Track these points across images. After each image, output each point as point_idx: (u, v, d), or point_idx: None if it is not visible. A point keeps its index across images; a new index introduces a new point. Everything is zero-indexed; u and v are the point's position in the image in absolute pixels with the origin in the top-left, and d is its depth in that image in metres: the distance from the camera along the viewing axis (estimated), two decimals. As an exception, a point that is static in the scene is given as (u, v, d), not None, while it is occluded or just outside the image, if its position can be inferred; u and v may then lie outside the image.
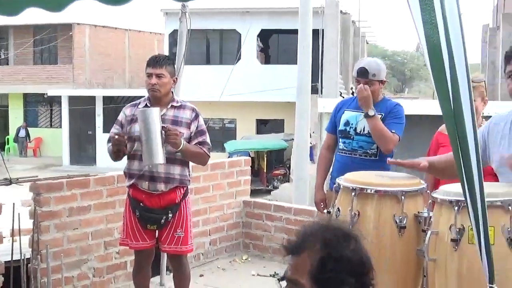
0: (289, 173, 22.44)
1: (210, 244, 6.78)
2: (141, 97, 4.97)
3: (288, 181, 22.39)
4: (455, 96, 2.42)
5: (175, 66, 5.11)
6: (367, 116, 4.69)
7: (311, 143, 22.08)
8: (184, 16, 5.63)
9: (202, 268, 6.61)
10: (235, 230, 7.03)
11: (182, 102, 4.80)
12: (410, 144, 16.69)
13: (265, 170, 25.65)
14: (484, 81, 4.71)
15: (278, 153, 26.36)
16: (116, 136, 4.55)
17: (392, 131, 4.71)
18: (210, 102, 24.08)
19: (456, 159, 2.53)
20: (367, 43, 40.09)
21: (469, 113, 2.46)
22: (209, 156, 4.87)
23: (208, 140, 4.79)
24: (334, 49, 23.97)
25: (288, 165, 23.68)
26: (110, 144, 4.68)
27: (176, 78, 4.88)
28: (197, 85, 25.45)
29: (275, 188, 24.19)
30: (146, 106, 4.72)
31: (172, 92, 4.81)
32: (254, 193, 21.56)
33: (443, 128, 4.69)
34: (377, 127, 4.69)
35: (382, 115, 4.79)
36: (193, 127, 4.72)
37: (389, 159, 3.61)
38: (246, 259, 6.91)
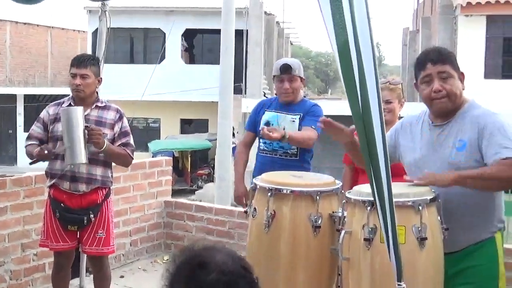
0: (214, 173, 22.43)
1: (130, 245, 6.72)
2: (64, 95, 4.90)
3: (213, 181, 22.34)
4: (363, 97, 2.48)
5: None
6: (283, 140, 4.70)
7: (234, 143, 22.19)
8: (104, 14, 5.57)
9: (122, 269, 6.54)
10: (156, 231, 6.98)
11: (107, 102, 4.76)
12: (333, 145, 17.01)
13: (189, 170, 25.58)
14: (402, 83, 4.85)
15: (202, 152, 26.32)
16: (46, 152, 4.47)
17: (312, 126, 4.79)
18: (134, 102, 23.81)
19: (365, 159, 2.60)
20: (291, 44, 40.48)
21: (377, 114, 2.52)
22: (132, 158, 4.86)
23: (132, 141, 4.78)
24: (258, 49, 24.10)
25: (212, 165, 23.66)
26: (29, 143, 4.62)
27: (101, 78, 4.83)
28: (121, 84, 25.13)
29: (200, 187, 24.14)
30: (70, 105, 4.66)
31: (97, 92, 4.77)
32: (178, 193, 21.60)
33: None
34: (295, 141, 4.77)
35: (301, 115, 4.88)
36: (116, 128, 4.69)
37: (321, 118, 3.53)
38: (167, 259, 6.88)
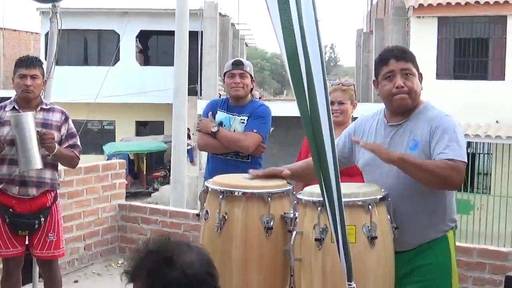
0: (169, 175, 22.35)
1: (84, 249, 6.66)
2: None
3: (169, 183, 22.26)
4: (311, 98, 2.50)
5: (46, 67, 5.02)
6: (214, 133, 4.85)
7: (190, 145, 22.12)
8: (55, 16, 5.50)
9: (76, 274, 6.47)
10: (110, 234, 6.93)
11: (51, 104, 4.74)
12: (290, 145, 17.06)
13: (144, 172, 25.44)
14: (354, 84, 4.90)
15: (158, 155, 26.18)
16: None
17: (254, 130, 4.83)
18: (88, 104, 23.56)
19: (314, 160, 2.62)
20: (247, 45, 40.51)
21: (325, 114, 2.55)
22: (79, 159, 4.83)
23: (78, 142, 4.77)
24: (213, 51, 24.09)
25: (168, 167, 23.51)
26: None
27: (46, 80, 4.81)
28: (75, 86, 24.87)
29: (155, 190, 24.04)
30: (14, 108, 4.61)
31: (40, 95, 4.73)
32: (134, 195, 21.46)
33: None
34: (224, 138, 4.85)
35: (248, 116, 4.91)
36: (63, 130, 4.67)
37: (250, 170, 3.68)
38: (122, 263, 6.83)
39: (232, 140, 4.84)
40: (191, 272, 1.86)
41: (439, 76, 19.20)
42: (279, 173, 3.58)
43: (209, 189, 3.46)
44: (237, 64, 4.98)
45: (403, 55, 3.34)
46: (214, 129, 4.86)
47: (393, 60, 3.31)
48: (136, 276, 1.89)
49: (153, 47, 29.12)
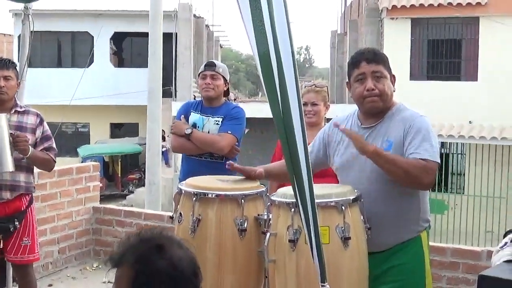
0: (145, 177, 22.26)
1: (59, 252, 6.61)
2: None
3: (144, 185, 22.18)
4: (284, 100, 2.52)
5: (18, 69, 4.98)
6: (188, 135, 4.86)
7: (165, 147, 22.06)
8: (27, 18, 5.47)
9: (51, 277, 6.42)
10: (84, 237, 6.89)
11: (26, 107, 4.69)
12: (265, 146, 17.07)
13: (119, 175, 25.30)
14: (327, 86, 4.93)
15: (132, 157, 26.06)
16: None
17: (229, 132, 4.84)
18: (63, 106, 23.38)
19: (286, 161, 2.63)
20: (221, 47, 40.50)
21: (298, 116, 2.56)
22: (55, 162, 4.78)
23: (54, 145, 4.73)
24: (188, 52, 24.04)
25: (143, 169, 23.39)
26: None
27: (19, 82, 4.77)
28: (48, 88, 24.71)
29: (131, 192, 23.93)
30: (-14, 111, 4.55)
31: (15, 97, 4.69)
32: (109, 198, 21.33)
33: None
34: (198, 139, 4.85)
35: (222, 118, 4.91)
36: (38, 133, 4.62)
37: (227, 163, 3.71)
38: (97, 266, 6.79)
39: (207, 141, 4.84)
40: (180, 266, 1.85)
41: (412, 77, 19.33)
42: (253, 172, 3.60)
43: (183, 191, 3.45)
44: (209, 66, 5.01)
45: (374, 57, 3.35)
46: (188, 131, 4.86)
47: (364, 62, 3.33)
48: (123, 261, 1.87)
49: (127, 49, 28.99)
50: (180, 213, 3.45)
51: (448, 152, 18.81)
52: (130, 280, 1.83)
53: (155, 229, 1.96)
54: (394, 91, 3.41)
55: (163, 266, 1.83)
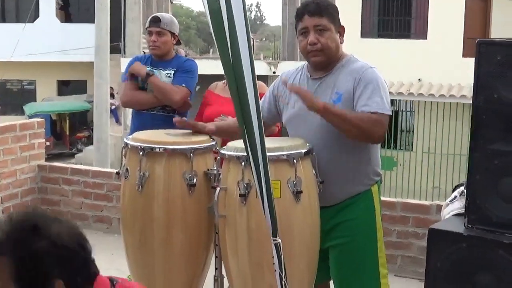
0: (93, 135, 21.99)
1: (3, 212, 6.42)
2: None
3: (93, 144, 21.94)
4: (234, 54, 2.48)
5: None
6: (147, 76, 4.67)
7: (114, 104, 21.75)
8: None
9: (-5, 236, 6.26)
10: (30, 196, 6.71)
11: None
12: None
13: (67, 133, 24.93)
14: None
15: (81, 115, 25.65)
16: None
17: (183, 85, 4.70)
18: (6, 62, 22.82)
19: (237, 115, 2.57)
20: (171, 2, 39.93)
21: (249, 72, 2.51)
22: None
23: None
24: (137, 7, 23.64)
25: (92, 127, 23.13)
26: None
27: None
28: (-8, 44, 24.03)
29: (79, 151, 23.65)
30: None
31: None
32: (57, 157, 21.04)
33: (212, 86, 4.81)
34: (157, 85, 4.69)
35: (174, 70, 4.77)
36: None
37: (175, 118, 3.60)
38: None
39: (166, 89, 4.66)
40: (60, 243, 1.76)
41: (363, 35, 19.36)
42: (203, 128, 3.50)
43: (129, 146, 3.34)
44: (154, 22, 4.79)
45: (317, 10, 3.26)
46: (150, 72, 4.68)
47: (307, 16, 3.27)
48: (2, 251, 1.76)
49: (75, 3, 28.24)
50: (127, 169, 3.34)
51: (397, 109, 19.00)
52: (13, 270, 1.73)
53: (25, 210, 1.85)
54: (341, 43, 3.34)
55: (43, 247, 1.73)
